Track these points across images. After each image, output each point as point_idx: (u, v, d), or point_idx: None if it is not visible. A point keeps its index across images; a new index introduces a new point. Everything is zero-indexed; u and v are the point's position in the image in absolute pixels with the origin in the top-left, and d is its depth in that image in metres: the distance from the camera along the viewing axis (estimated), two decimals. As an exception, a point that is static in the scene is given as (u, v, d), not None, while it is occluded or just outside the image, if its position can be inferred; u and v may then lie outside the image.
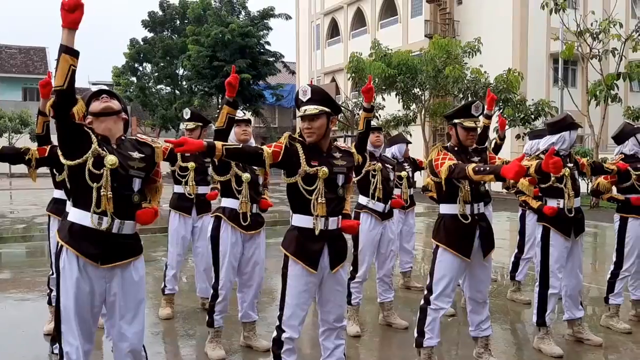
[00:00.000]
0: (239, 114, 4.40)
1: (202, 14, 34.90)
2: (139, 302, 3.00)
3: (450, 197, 3.98)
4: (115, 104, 3.01)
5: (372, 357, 4.69)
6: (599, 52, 17.27)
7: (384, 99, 22.85)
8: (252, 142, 4.46)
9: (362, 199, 5.13)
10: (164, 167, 4.96)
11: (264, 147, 3.26)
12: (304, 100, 3.36)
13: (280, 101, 38.26)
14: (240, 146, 3.33)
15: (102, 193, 2.83)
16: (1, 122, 33.23)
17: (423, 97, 21.83)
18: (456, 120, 4.06)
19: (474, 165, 3.67)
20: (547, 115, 19.34)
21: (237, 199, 4.38)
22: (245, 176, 4.35)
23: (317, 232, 3.30)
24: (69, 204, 3.03)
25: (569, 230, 4.64)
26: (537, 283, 4.74)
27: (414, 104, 22.07)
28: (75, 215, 2.90)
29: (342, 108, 25.36)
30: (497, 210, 14.00)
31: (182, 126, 6.12)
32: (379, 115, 23.60)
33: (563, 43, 18.23)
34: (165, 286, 5.56)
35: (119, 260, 2.92)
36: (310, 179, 3.29)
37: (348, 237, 3.57)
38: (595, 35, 17.11)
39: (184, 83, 38.42)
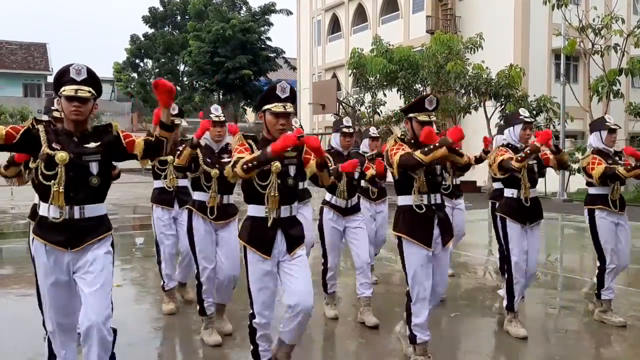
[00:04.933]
0: (214, 115, 4.62)
1: (203, 10, 34.88)
2: (105, 281, 3.12)
3: (407, 188, 4.02)
4: (85, 109, 3.12)
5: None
6: (601, 47, 17.21)
7: (385, 95, 22.81)
8: (226, 140, 4.62)
9: (327, 196, 5.31)
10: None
11: (239, 157, 3.35)
12: (283, 97, 3.46)
13: (281, 97, 38.16)
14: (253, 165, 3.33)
15: (54, 189, 3.05)
16: (1, 118, 33.10)
17: (424, 93, 21.78)
18: (411, 115, 4.06)
19: (420, 149, 3.82)
20: (548, 111, 19.29)
21: (206, 192, 4.57)
22: (214, 172, 4.52)
23: (269, 223, 3.46)
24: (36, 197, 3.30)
25: (525, 218, 4.84)
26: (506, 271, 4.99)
27: (415, 100, 22.03)
28: (43, 208, 3.15)
29: (343, 104, 25.44)
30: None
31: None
32: (380, 111, 23.57)
33: (565, 39, 18.16)
34: (164, 282, 5.57)
35: (84, 242, 3.12)
36: (264, 174, 3.41)
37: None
38: (597, 31, 17.05)
39: (185, 79, 38.43)
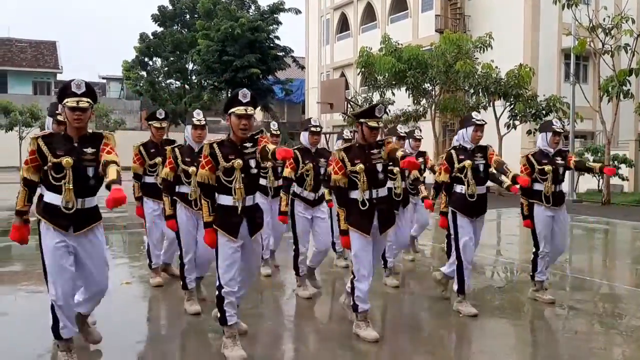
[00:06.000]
0: (195, 119, 5.26)
1: (212, 9, 34.86)
2: (103, 260, 3.99)
3: (352, 186, 4.67)
4: (85, 117, 3.78)
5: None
6: (611, 47, 17.12)
7: (393, 94, 22.77)
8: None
9: (297, 189, 5.93)
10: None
11: (202, 174, 4.11)
12: (244, 101, 4.09)
13: (289, 96, 38.18)
14: (208, 186, 4.18)
15: (65, 187, 3.75)
16: (12, 116, 33.24)
17: (433, 92, 21.74)
18: (362, 120, 4.62)
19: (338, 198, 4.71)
20: (558, 111, 19.20)
21: (188, 185, 5.29)
22: (192, 169, 5.16)
23: (239, 211, 4.13)
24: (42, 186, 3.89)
25: (471, 212, 5.46)
26: (456, 259, 5.54)
27: (424, 99, 21.98)
28: (49, 197, 3.82)
29: (352, 103, 25.42)
30: (508, 207, 13.93)
31: (156, 124, 6.32)
32: (389, 110, 23.53)
33: (575, 38, 18.07)
34: (150, 261, 6.44)
35: (85, 227, 3.87)
36: (228, 171, 4.09)
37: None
38: (607, 31, 16.96)
39: (194, 77, 38.42)
